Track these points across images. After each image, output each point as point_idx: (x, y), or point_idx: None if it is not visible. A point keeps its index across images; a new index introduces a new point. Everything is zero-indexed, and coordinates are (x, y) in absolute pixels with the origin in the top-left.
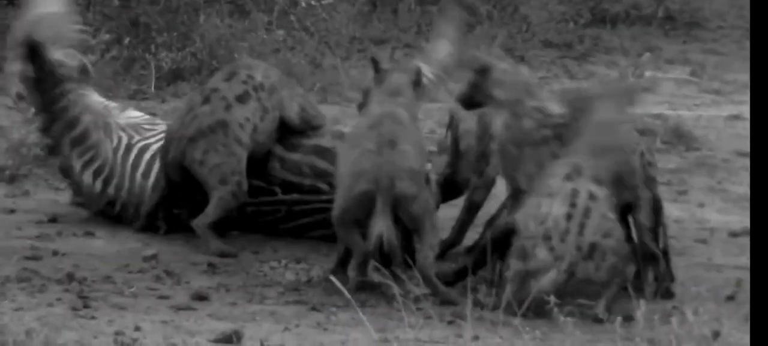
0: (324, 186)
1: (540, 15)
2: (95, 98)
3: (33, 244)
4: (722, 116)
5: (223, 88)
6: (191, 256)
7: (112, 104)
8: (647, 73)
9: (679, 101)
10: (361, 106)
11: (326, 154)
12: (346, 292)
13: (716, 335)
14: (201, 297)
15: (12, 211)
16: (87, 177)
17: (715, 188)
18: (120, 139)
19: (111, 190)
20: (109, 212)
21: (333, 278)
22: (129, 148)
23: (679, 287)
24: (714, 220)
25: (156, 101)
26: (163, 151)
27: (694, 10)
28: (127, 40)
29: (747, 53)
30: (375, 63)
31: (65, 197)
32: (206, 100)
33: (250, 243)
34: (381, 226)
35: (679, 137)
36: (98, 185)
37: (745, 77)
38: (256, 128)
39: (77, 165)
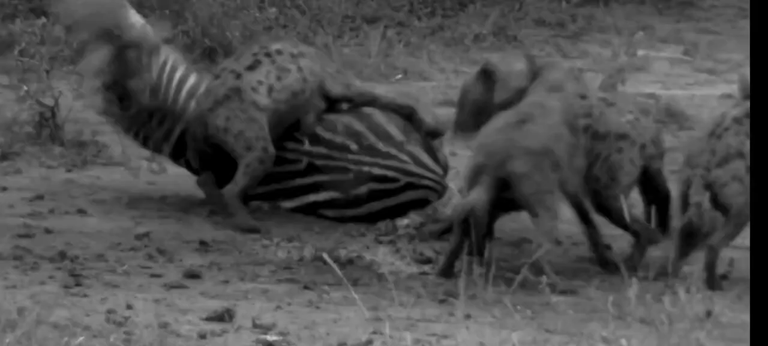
0: (353, 146)
1: None
2: None
3: (25, 222)
4: (716, 95)
5: (231, 65)
6: (183, 234)
7: None
8: (640, 52)
9: (672, 80)
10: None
11: (364, 117)
12: (337, 270)
13: (709, 314)
14: (193, 275)
15: (4, 189)
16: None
17: None
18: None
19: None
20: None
21: (325, 256)
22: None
23: (671, 266)
24: None
25: None
26: (189, 131)
27: None
28: None
29: (740, 32)
30: (531, 61)
31: (58, 174)
32: (216, 77)
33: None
34: (473, 195)
35: (672, 116)
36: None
37: (738, 56)
38: (271, 88)
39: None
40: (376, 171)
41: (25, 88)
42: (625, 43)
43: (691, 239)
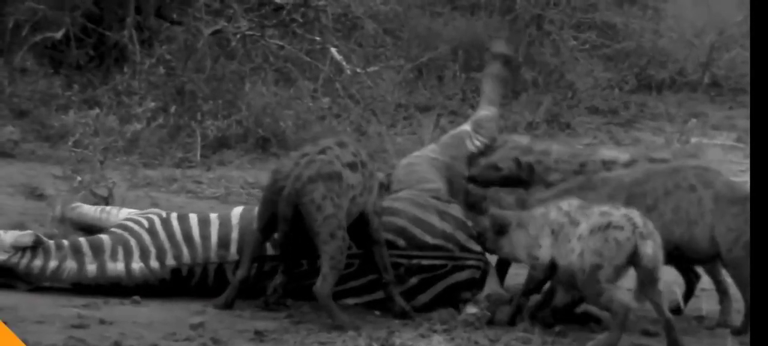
0: (400, 242)
1: (585, 81)
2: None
3: (79, 312)
4: None
5: (336, 149)
6: (238, 323)
7: (108, 207)
8: (693, 140)
9: (725, 167)
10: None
11: (400, 213)
12: None
13: None
14: None
15: None
16: (137, 266)
17: None
18: (150, 219)
19: (170, 261)
20: (176, 280)
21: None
22: (166, 221)
23: None
24: None
25: (201, 169)
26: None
27: (739, 76)
28: (173, 109)
29: None
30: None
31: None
32: (322, 152)
33: (296, 312)
34: None
35: None
36: (154, 264)
37: None
38: (354, 199)
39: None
40: (425, 262)
41: (79, 178)
42: (678, 130)
43: None
